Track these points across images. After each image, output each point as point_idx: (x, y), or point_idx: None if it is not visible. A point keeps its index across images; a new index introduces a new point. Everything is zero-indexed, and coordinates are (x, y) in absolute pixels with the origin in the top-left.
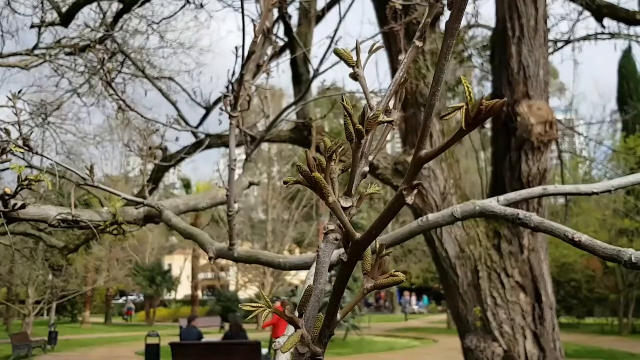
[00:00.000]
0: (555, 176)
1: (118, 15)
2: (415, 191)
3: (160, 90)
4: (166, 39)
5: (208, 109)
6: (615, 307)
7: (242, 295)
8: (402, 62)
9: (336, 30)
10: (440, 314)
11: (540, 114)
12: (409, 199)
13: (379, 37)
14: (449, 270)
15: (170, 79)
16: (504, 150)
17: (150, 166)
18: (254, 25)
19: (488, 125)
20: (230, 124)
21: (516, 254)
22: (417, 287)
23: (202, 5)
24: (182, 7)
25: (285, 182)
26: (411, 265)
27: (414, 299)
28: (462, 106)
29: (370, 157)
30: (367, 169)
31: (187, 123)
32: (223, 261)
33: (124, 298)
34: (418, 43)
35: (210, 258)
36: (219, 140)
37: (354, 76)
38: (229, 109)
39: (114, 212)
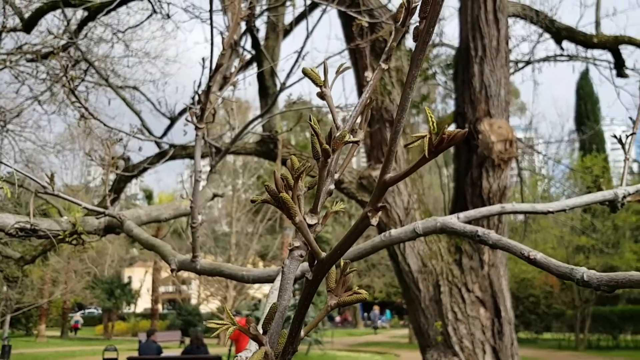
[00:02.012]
0: (515, 193)
1: (83, 23)
2: (379, 213)
3: (124, 99)
4: (132, 48)
5: (173, 120)
6: (572, 322)
7: (203, 309)
8: (368, 84)
9: (303, 46)
10: (403, 329)
11: (501, 132)
12: (374, 221)
13: (346, 53)
14: (412, 284)
15: (135, 88)
16: (465, 167)
17: (112, 176)
18: (222, 38)
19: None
20: (196, 135)
21: (477, 269)
22: (381, 301)
23: (169, 16)
24: (148, 17)
25: (252, 201)
26: (375, 280)
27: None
28: (425, 135)
29: (336, 175)
30: (332, 187)
31: (151, 133)
32: (185, 274)
33: (81, 311)
34: (384, 65)
35: (172, 270)
36: (183, 152)
37: (321, 95)
38: (195, 120)
39: (73, 222)
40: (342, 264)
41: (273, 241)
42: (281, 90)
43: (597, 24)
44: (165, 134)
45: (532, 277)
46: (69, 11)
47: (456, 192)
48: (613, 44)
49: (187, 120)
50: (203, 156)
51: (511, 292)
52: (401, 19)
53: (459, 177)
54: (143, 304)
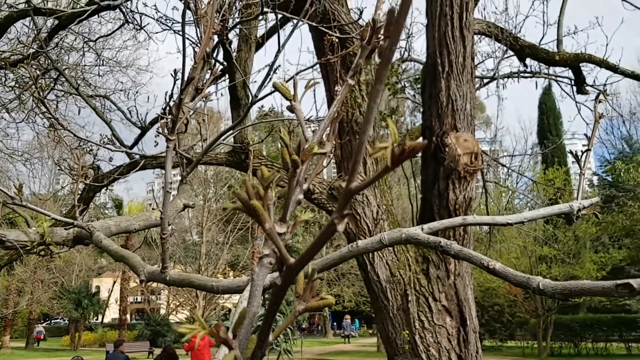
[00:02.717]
0: (481, 204)
1: (53, 31)
2: (345, 220)
3: (94, 109)
4: (103, 57)
5: (143, 129)
6: (535, 331)
7: (173, 319)
8: (335, 99)
9: (275, 59)
10: (371, 338)
11: (467, 146)
12: (340, 227)
13: (317, 66)
14: (380, 294)
15: (106, 97)
16: (433, 179)
17: (81, 185)
18: (195, 50)
19: (419, 154)
20: (167, 147)
21: (443, 279)
22: (350, 310)
23: (141, 28)
24: (120, 27)
25: (224, 208)
26: (344, 289)
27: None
28: (388, 146)
29: (305, 185)
30: (301, 196)
31: (121, 143)
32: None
33: (47, 322)
34: (350, 81)
35: (141, 281)
36: (154, 161)
37: (291, 109)
38: (166, 132)
39: (42, 233)
40: (309, 270)
41: (244, 251)
42: (253, 102)
43: (559, 42)
44: (135, 143)
45: (496, 286)
46: (39, 19)
47: (424, 203)
48: (574, 62)
49: (158, 132)
50: (174, 167)
51: (476, 301)
52: (367, 38)
53: (427, 188)
54: (111, 314)
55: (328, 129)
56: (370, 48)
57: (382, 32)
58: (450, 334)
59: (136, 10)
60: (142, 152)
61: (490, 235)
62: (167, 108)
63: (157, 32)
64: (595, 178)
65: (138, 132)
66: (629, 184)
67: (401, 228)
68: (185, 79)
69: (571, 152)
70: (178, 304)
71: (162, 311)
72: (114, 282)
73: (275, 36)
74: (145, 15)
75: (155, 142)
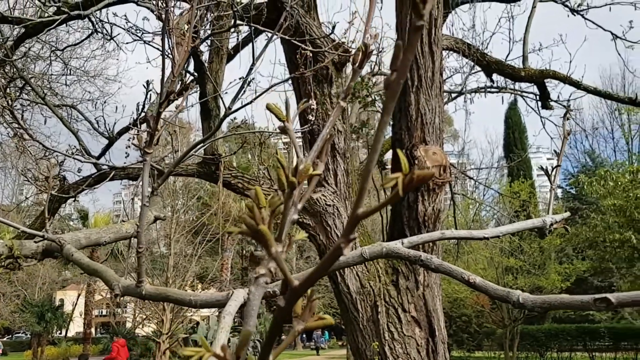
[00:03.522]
0: (449, 216)
1: (19, 40)
2: (351, 244)
3: (61, 119)
4: (70, 66)
5: (111, 140)
6: (502, 341)
7: (139, 332)
8: (328, 121)
9: (249, 73)
10: (341, 349)
11: (435, 158)
12: (346, 251)
13: (287, 77)
14: (350, 305)
15: (73, 107)
16: None
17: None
18: (163, 59)
19: (389, 166)
20: (144, 160)
21: (413, 290)
22: None
23: (111, 37)
24: (88, 36)
25: (229, 233)
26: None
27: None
28: (399, 176)
29: (299, 205)
30: (296, 216)
31: (88, 153)
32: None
33: (9, 336)
34: (343, 104)
35: (116, 295)
36: (122, 173)
37: (284, 130)
38: (143, 145)
39: (10, 246)
40: (309, 291)
41: (213, 263)
42: (227, 115)
43: (525, 58)
44: (103, 154)
45: (464, 297)
46: (5, 27)
47: (393, 215)
48: (539, 78)
49: (135, 145)
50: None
51: (444, 311)
52: (358, 62)
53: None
54: (75, 327)
55: (321, 149)
56: (340, 62)
57: (389, 64)
58: (420, 344)
59: (106, 20)
60: (110, 162)
61: (458, 247)
62: (139, 119)
63: (127, 43)
64: (559, 191)
65: (105, 142)
66: (592, 197)
67: (382, 242)
68: (163, 92)
69: (542, 168)
70: (145, 317)
71: (128, 325)
72: (79, 295)
73: (246, 48)
74: (115, 25)
75: (126, 153)
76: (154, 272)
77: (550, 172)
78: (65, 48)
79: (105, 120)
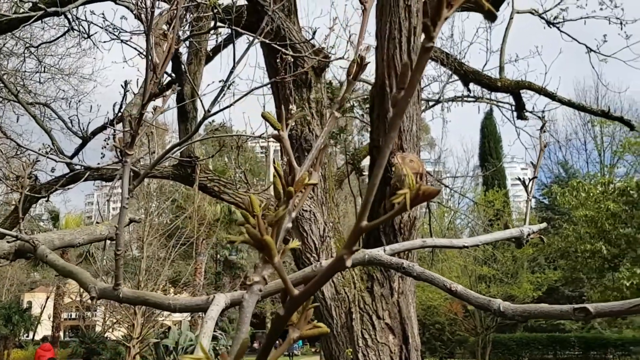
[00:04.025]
0: (424, 224)
1: None
2: (353, 255)
3: (34, 117)
4: (44, 64)
5: (85, 140)
6: (474, 349)
7: (109, 336)
8: (323, 131)
9: (229, 76)
10: (314, 356)
11: (412, 166)
12: (349, 263)
13: (267, 80)
14: (324, 311)
15: (46, 105)
16: (379, 198)
17: (17, 195)
18: (147, 60)
19: (366, 172)
20: (125, 162)
21: (387, 297)
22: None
23: (89, 36)
24: (64, 33)
25: (231, 241)
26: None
27: None
28: (407, 192)
29: (293, 214)
30: (290, 224)
31: (62, 153)
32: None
33: None
34: (337, 114)
35: (92, 298)
36: (95, 173)
37: (278, 138)
38: (124, 147)
39: None
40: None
41: (186, 267)
42: (205, 117)
43: (501, 68)
44: (76, 154)
45: (437, 304)
46: None
47: (369, 221)
48: (515, 88)
49: (115, 146)
50: (116, 178)
51: (418, 319)
52: (353, 73)
53: (373, 206)
54: (43, 330)
55: (315, 159)
56: (321, 67)
57: (397, 81)
58: (393, 351)
59: (83, 18)
60: (83, 162)
61: (432, 255)
62: (115, 119)
63: (105, 41)
64: (533, 200)
65: (79, 142)
66: (565, 207)
67: (364, 249)
68: (146, 93)
69: (519, 179)
70: (115, 320)
71: (98, 328)
72: (47, 298)
73: (225, 50)
74: (93, 23)
75: (101, 153)
76: (125, 276)
77: (527, 184)
78: (40, 45)
79: (79, 120)
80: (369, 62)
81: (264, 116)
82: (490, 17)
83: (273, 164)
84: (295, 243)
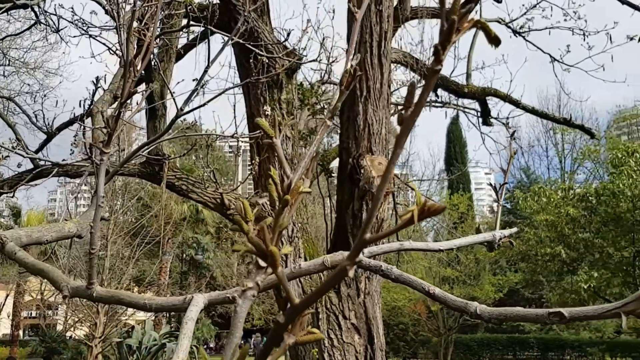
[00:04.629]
0: (391, 225)
1: None
2: (355, 266)
3: None
4: (9, 57)
5: (50, 135)
6: (437, 349)
7: (70, 335)
8: (315, 139)
9: (203, 75)
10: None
11: (381, 168)
12: (351, 273)
13: (238, 80)
14: None
15: (10, 99)
16: (348, 199)
17: None
18: (127, 58)
19: (335, 174)
20: (101, 160)
21: (354, 297)
22: (259, 328)
23: (57, 30)
24: (31, 26)
25: (235, 251)
26: (254, 307)
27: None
28: (414, 209)
29: (286, 220)
30: (285, 231)
31: (27, 148)
32: (51, 298)
33: None
34: (329, 123)
35: (64, 297)
36: (60, 170)
37: (271, 146)
38: (100, 145)
39: None
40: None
41: (151, 266)
42: (178, 116)
43: (468, 75)
44: (40, 149)
45: (402, 305)
46: None
47: (338, 222)
48: (481, 95)
49: (93, 145)
50: (85, 175)
51: (383, 319)
52: (345, 84)
53: (342, 208)
54: (2, 329)
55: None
56: (292, 68)
57: (404, 102)
58: (358, 351)
59: (53, 12)
60: (47, 158)
61: (398, 256)
62: (84, 115)
63: (75, 36)
64: (495, 205)
65: (42, 137)
66: (526, 212)
67: (343, 251)
68: (125, 91)
69: (491, 185)
70: (77, 319)
71: (59, 327)
72: (7, 296)
73: (198, 46)
74: (61, 17)
75: (71, 150)
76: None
77: (497, 189)
78: (4, 37)
79: (44, 115)
80: (360, 74)
81: (257, 122)
82: (495, 42)
83: (269, 172)
84: (287, 249)
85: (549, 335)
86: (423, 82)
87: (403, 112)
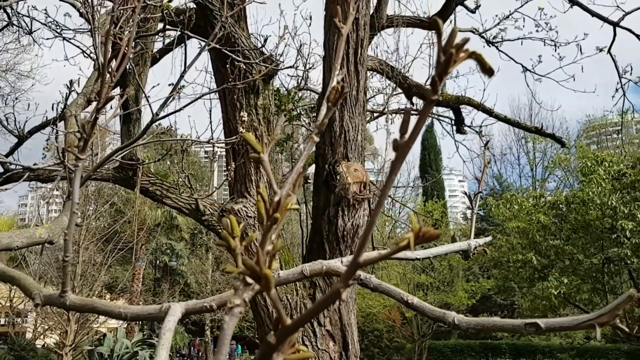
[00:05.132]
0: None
1: None
2: (349, 289)
3: None
4: None
5: (21, 139)
6: (411, 355)
7: (40, 343)
8: (302, 154)
9: (179, 80)
10: None
11: (356, 175)
12: (344, 296)
13: (214, 84)
14: (266, 319)
15: None
16: (324, 205)
17: None
18: (105, 61)
19: (311, 180)
20: (77, 166)
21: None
22: (233, 336)
23: (30, 32)
24: (3, 28)
25: (227, 272)
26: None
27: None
28: (410, 235)
29: (273, 236)
30: (270, 247)
31: None
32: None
33: None
34: (316, 138)
35: (36, 305)
36: (31, 174)
37: (258, 160)
38: (76, 150)
39: None
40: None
41: (124, 273)
42: (154, 121)
43: (443, 84)
44: (11, 153)
45: (377, 312)
46: None
47: (313, 228)
48: (455, 103)
49: (68, 150)
50: (57, 180)
51: (358, 326)
52: (333, 100)
53: (317, 214)
54: None
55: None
56: (269, 74)
57: (399, 128)
58: (333, 358)
59: (26, 14)
60: (19, 162)
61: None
62: (57, 119)
63: (48, 38)
64: (468, 212)
65: (13, 140)
66: (498, 218)
67: (322, 260)
68: (102, 96)
69: (466, 194)
70: (47, 327)
71: (29, 335)
72: None
73: (171, 52)
74: (34, 19)
75: (43, 154)
76: (59, 281)
77: (472, 198)
78: None
79: (15, 118)
80: (347, 92)
81: (244, 137)
82: (489, 73)
83: (257, 189)
84: (275, 265)
85: (520, 341)
86: (399, 90)
87: (398, 139)
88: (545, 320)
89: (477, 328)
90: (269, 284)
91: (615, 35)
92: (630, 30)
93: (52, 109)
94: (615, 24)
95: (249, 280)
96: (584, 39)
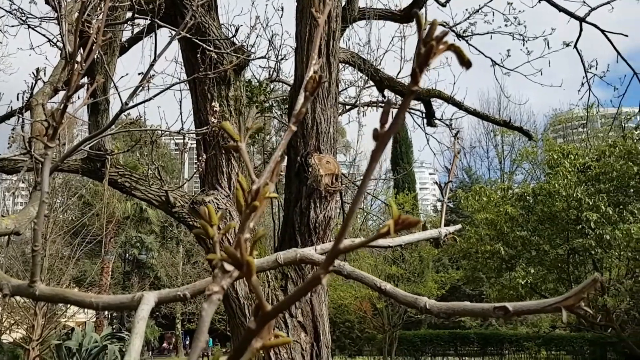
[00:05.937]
0: (338, 224)
1: None
2: (328, 275)
3: None
4: None
5: None
6: (382, 346)
7: (5, 339)
8: (280, 144)
9: (149, 69)
10: (225, 356)
11: (328, 167)
12: (324, 281)
13: (184, 75)
14: (237, 310)
15: None
16: (295, 197)
17: None
18: (75, 49)
19: (283, 173)
20: (46, 155)
21: None
22: None
23: None
24: None
25: (209, 260)
26: (199, 307)
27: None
28: (390, 222)
29: (251, 225)
30: (249, 235)
31: None
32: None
33: None
34: (293, 128)
35: (4, 296)
36: None
37: (236, 149)
38: (45, 139)
39: None
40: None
41: (92, 266)
42: (123, 110)
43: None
44: None
45: (348, 303)
46: None
47: (285, 221)
48: (425, 96)
49: (37, 138)
50: (23, 171)
51: (329, 317)
52: (311, 90)
53: (289, 206)
54: None
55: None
56: (240, 64)
57: (379, 118)
58: (304, 349)
59: None
60: None
61: (345, 255)
62: (23, 108)
63: (13, 26)
64: (439, 204)
65: None
66: (467, 210)
67: (296, 248)
68: (72, 85)
69: (437, 183)
70: (13, 322)
71: None
72: None
73: (141, 41)
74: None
75: (8, 143)
76: (25, 275)
77: (442, 188)
78: None
79: None
80: (325, 81)
81: (223, 126)
82: (467, 65)
83: (230, 180)
84: (255, 252)
85: (488, 330)
86: (371, 82)
87: (379, 128)
88: (513, 304)
89: (448, 312)
90: (251, 271)
91: (581, 30)
92: (595, 26)
93: (18, 99)
94: (581, 19)
95: (228, 267)
96: (551, 34)
